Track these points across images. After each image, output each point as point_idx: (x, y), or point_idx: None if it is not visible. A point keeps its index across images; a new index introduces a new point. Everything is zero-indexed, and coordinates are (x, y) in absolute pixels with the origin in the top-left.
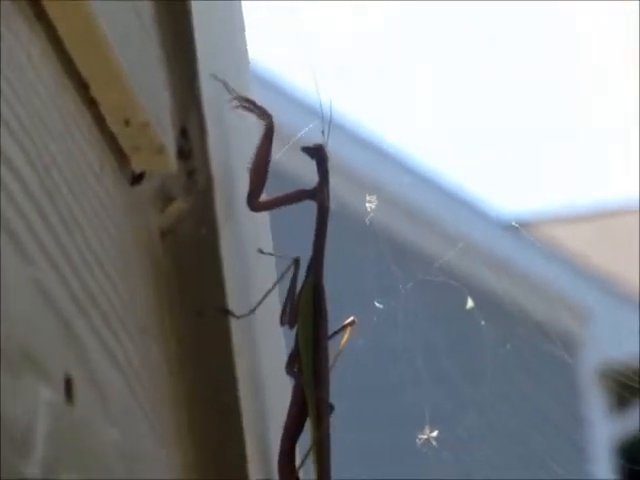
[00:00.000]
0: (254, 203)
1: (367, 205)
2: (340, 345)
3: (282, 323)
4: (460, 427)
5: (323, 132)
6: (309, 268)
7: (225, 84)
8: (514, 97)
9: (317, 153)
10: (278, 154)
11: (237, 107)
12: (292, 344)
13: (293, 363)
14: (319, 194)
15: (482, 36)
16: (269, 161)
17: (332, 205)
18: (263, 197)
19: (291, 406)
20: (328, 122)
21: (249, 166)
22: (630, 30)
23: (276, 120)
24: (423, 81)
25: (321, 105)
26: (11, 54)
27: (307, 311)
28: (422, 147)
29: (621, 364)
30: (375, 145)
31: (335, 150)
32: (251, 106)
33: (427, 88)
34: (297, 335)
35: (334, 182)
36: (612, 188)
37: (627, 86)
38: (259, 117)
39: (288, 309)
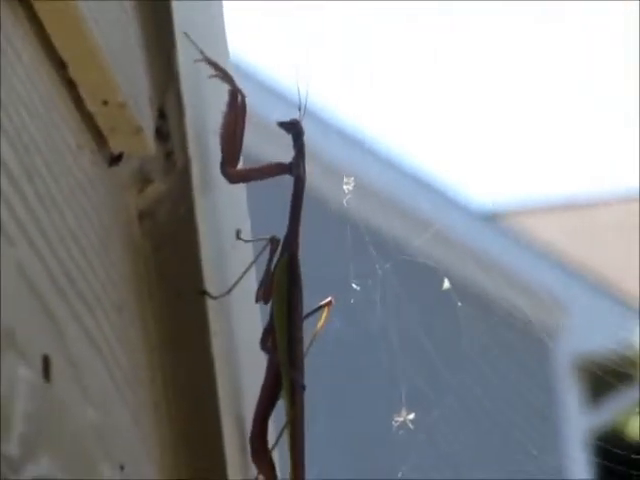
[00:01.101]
0: (229, 172)
1: (344, 187)
2: (317, 327)
3: (257, 299)
4: (436, 410)
5: (299, 108)
6: (285, 242)
7: (196, 45)
8: (491, 86)
9: (293, 128)
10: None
11: (200, 61)
12: (267, 319)
13: (267, 338)
14: (295, 168)
15: (461, 22)
16: (242, 128)
17: (309, 190)
18: (239, 168)
19: (264, 382)
20: (304, 99)
21: (219, 132)
22: (630, 29)
23: (253, 111)
24: (398, 69)
25: (297, 81)
26: None
27: (282, 285)
28: (398, 136)
29: (596, 355)
30: (351, 134)
31: (312, 139)
32: (219, 72)
33: (402, 76)
34: (272, 309)
35: (310, 169)
36: (588, 180)
37: (603, 71)
38: (224, 81)
39: (264, 284)
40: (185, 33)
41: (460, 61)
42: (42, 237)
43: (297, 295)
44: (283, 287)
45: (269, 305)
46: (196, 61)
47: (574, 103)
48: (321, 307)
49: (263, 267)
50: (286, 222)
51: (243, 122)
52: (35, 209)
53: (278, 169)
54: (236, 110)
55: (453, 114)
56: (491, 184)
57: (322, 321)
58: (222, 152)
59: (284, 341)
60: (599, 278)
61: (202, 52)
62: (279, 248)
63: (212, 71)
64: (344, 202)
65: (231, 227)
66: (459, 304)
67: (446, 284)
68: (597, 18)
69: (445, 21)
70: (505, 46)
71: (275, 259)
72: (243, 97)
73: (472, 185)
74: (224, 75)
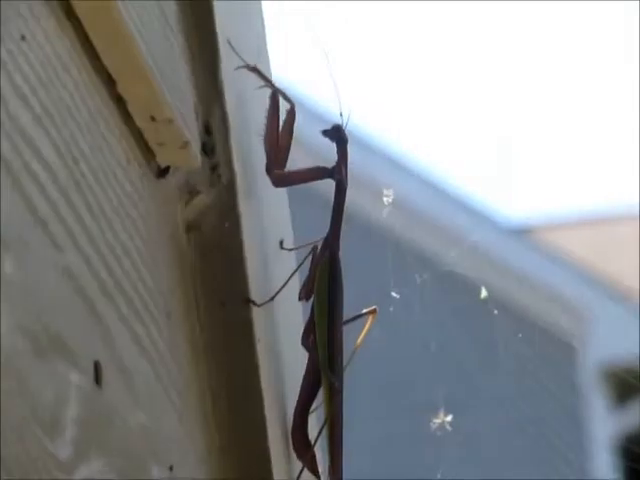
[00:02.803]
0: (274, 174)
1: (384, 199)
2: (360, 335)
3: (300, 297)
4: (473, 412)
5: (341, 114)
6: (326, 242)
7: (239, 56)
8: (517, 104)
9: (336, 134)
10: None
11: (242, 67)
12: (308, 316)
13: (308, 334)
14: (337, 173)
15: (487, 43)
16: (290, 133)
17: (350, 205)
18: (283, 171)
19: (305, 377)
20: (347, 107)
21: (263, 135)
22: (630, 31)
23: (297, 134)
24: (428, 85)
25: (337, 89)
26: (41, 52)
27: (323, 283)
28: (433, 154)
29: (622, 360)
30: (384, 151)
31: (351, 156)
32: (258, 73)
33: (433, 92)
34: (313, 306)
35: (350, 184)
36: (612, 194)
37: (629, 91)
38: (269, 86)
39: (306, 283)
40: (228, 41)
41: (488, 79)
42: (91, 245)
43: (338, 293)
44: (324, 285)
45: (310, 302)
46: (237, 68)
47: (602, 119)
48: (364, 314)
49: (306, 272)
50: (327, 225)
51: (291, 127)
52: (85, 218)
53: (321, 173)
54: (278, 115)
55: (485, 133)
56: (521, 200)
57: (365, 329)
58: (267, 154)
59: (324, 338)
60: (624, 289)
61: (244, 61)
62: (320, 248)
63: (257, 82)
64: (383, 213)
65: (275, 237)
66: (495, 312)
67: (484, 293)
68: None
69: (476, 50)
70: (533, 65)
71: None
72: (292, 105)
73: (503, 201)
74: (268, 81)
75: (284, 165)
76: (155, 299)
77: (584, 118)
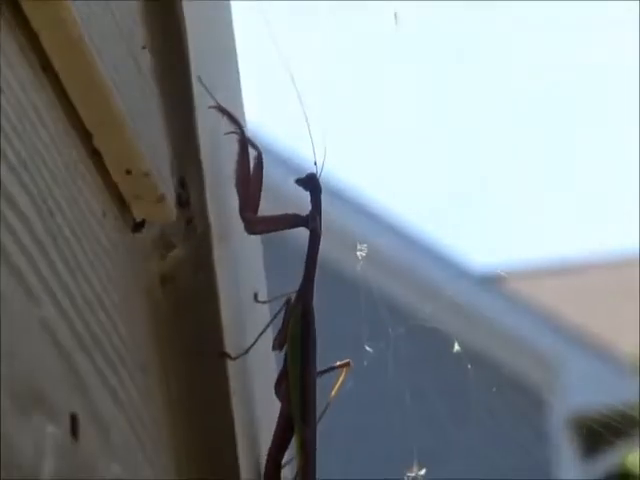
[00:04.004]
0: (248, 219)
1: (358, 253)
2: (333, 389)
3: (273, 347)
4: (446, 464)
5: (315, 163)
6: (299, 292)
7: (208, 91)
8: (487, 157)
9: (310, 183)
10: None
11: (213, 108)
12: (281, 365)
13: (281, 384)
14: (312, 221)
15: (460, 93)
16: (260, 178)
17: (323, 257)
18: (258, 216)
19: (277, 427)
20: (321, 157)
21: (234, 180)
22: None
23: (267, 183)
24: (399, 136)
25: (310, 134)
26: (18, 103)
27: (296, 333)
28: (400, 203)
29: (592, 411)
30: (357, 200)
31: (324, 208)
32: (227, 113)
33: (404, 142)
34: (285, 356)
35: (323, 236)
36: (581, 243)
37: (596, 142)
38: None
39: (279, 333)
40: (199, 79)
41: (459, 127)
42: (68, 298)
43: (310, 343)
44: (297, 335)
45: (283, 352)
46: (210, 107)
47: (569, 165)
48: (338, 367)
49: (280, 321)
50: (301, 273)
51: (260, 172)
52: (61, 271)
53: (295, 221)
54: (247, 159)
55: (453, 181)
56: (492, 248)
57: (339, 382)
58: (239, 198)
59: (297, 388)
60: (594, 338)
61: (215, 100)
62: (294, 298)
63: (227, 128)
64: (358, 268)
65: (249, 288)
66: (469, 366)
67: (456, 347)
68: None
69: (444, 104)
70: (502, 117)
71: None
72: (259, 152)
73: (473, 249)
74: (236, 124)
75: (256, 210)
76: (130, 352)
77: (552, 169)
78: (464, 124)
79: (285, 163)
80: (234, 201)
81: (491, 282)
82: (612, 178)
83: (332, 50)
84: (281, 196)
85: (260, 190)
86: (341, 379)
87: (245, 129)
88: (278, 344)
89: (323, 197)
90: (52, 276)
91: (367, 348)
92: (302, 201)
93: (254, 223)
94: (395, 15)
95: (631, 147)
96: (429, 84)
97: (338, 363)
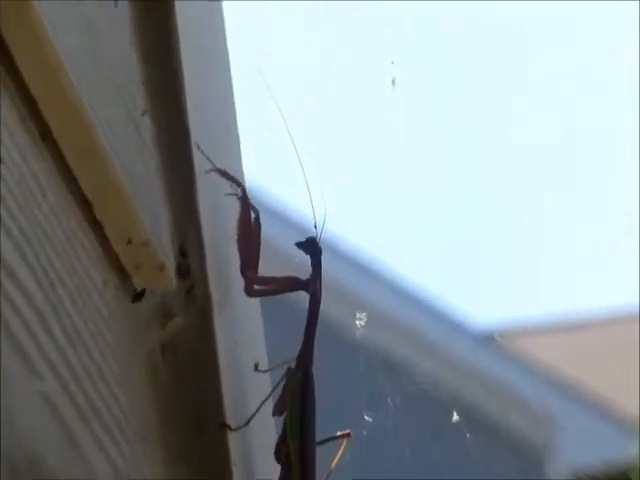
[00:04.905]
0: (249, 278)
1: (357, 322)
2: (334, 459)
3: (273, 413)
4: None
5: (315, 226)
6: (299, 357)
7: (207, 156)
8: (487, 214)
9: (310, 245)
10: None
11: (212, 172)
12: (281, 430)
13: (281, 449)
14: (312, 285)
15: (456, 149)
16: (258, 240)
17: (322, 318)
18: (258, 277)
19: None
20: (322, 217)
21: (236, 239)
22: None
23: (269, 243)
24: (396, 194)
25: (311, 199)
26: (19, 174)
27: (295, 398)
28: (398, 260)
29: (593, 469)
30: (355, 259)
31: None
32: (225, 175)
33: (401, 200)
34: (285, 422)
35: (324, 297)
36: (578, 301)
37: (590, 204)
38: (234, 190)
39: (279, 399)
40: (197, 145)
41: (459, 186)
42: (68, 369)
43: (310, 409)
44: (296, 400)
45: (283, 417)
46: (207, 171)
47: (570, 221)
48: (338, 437)
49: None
50: (301, 338)
51: (258, 235)
52: (61, 343)
53: (295, 284)
54: (248, 220)
55: (451, 238)
56: (490, 305)
57: (340, 453)
58: (241, 258)
59: (297, 453)
60: (594, 397)
61: (213, 164)
62: (294, 364)
63: (228, 190)
64: (356, 335)
65: (249, 357)
66: (467, 435)
67: (455, 416)
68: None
69: (447, 167)
70: (497, 175)
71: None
72: (257, 213)
73: (472, 306)
74: (236, 183)
75: (256, 271)
76: (130, 421)
77: (548, 228)
78: (464, 181)
79: (285, 222)
80: (234, 268)
81: (490, 339)
82: (612, 235)
83: (331, 111)
84: (280, 254)
85: (259, 251)
86: (342, 449)
87: (246, 189)
88: (278, 410)
89: (324, 254)
90: (52, 347)
91: (366, 418)
92: (302, 258)
93: (254, 284)
94: (393, 80)
95: (631, 204)
96: (426, 142)
97: (339, 433)
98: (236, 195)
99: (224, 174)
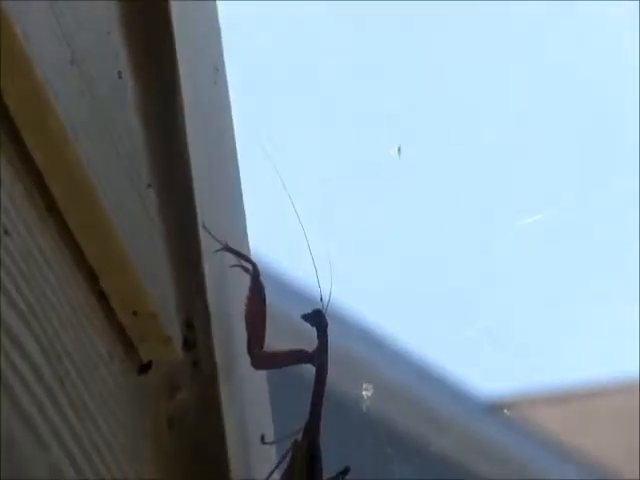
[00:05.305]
0: (255, 355)
1: (364, 393)
2: None
3: None
4: None
5: (321, 299)
6: (306, 429)
7: (213, 235)
8: (496, 286)
9: (317, 318)
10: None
11: (221, 251)
12: None
13: None
14: (318, 358)
15: (463, 217)
16: (264, 314)
17: (329, 390)
18: (263, 352)
19: None
20: (326, 292)
21: (244, 315)
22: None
23: (276, 311)
24: (401, 265)
25: (316, 271)
26: (24, 246)
27: (302, 470)
28: (405, 330)
29: None
30: (360, 329)
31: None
32: (236, 253)
33: (405, 269)
34: None
35: (331, 370)
36: (584, 370)
37: (595, 271)
38: (244, 265)
39: (285, 471)
40: (203, 225)
41: (463, 259)
42: (75, 442)
43: (316, 478)
44: (303, 473)
45: None
46: (216, 251)
47: (567, 299)
48: None
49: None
50: (307, 410)
51: (265, 308)
52: (68, 415)
53: (302, 357)
54: (258, 294)
55: (460, 308)
56: (498, 375)
57: None
58: (248, 335)
59: None
60: (598, 465)
61: (221, 243)
62: (301, 437)
63: (234, 261)
64: (363, 407)
65: (256, 430)
66: None
67: None
68: None
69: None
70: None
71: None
72: (264, 289)
73: (480, 377)
74: (245, 259)
75: (262, 346)
76: None
77: (556, 300)
78: (470, 250)
79: (290, 292)
80: (240, 339)
81: (497, 409)
82: (613, 305)
83: (337, 179)
84: (284, 324)
85: (265, 325)
86: None
87: (257, 265)
88: None
89: (329, 325)
90: (60, 420)
91: None
92: (307, 328)
93: (261, 359)
94: (399, 149)
95: (633, 277)
96: (432, 209)
97: None
98: (247, 271)
99: (234, 252)
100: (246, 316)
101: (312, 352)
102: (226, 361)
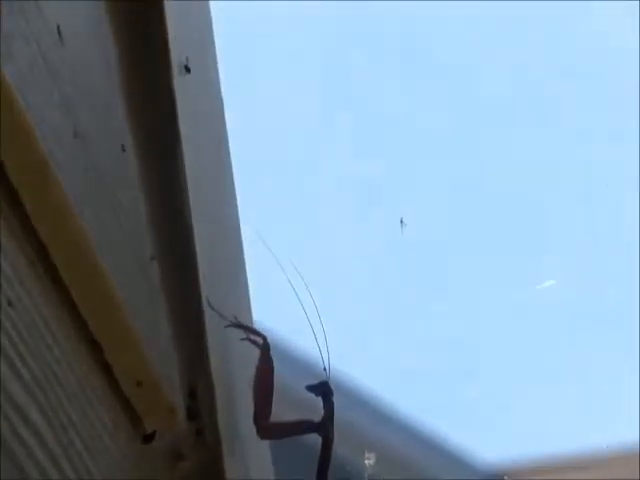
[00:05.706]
0: (261, 426)
1: (366, 462)
2: None
3: None
4: None
5: (325, 369)
6: None
7: (218, 312)
8: (498, 356)
9: (322, 389)
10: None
11: (230, 326)
12: None
13: None
14: (323, 428)
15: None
16: (271, 385)
17: (331, 460)
18: (270, 422)
19: None
20: (328, 361)
21: (252, 386)
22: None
23: (281, 383)
24: (402, 332)
25: (317, 340)
26: (28, 317)
27: None
28: (407, 398)
29: None
30: (362, 398)
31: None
32: (245, 328)
33: (408, 340)
34: None
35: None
36: (581, 440)
37: (596, 332)
38: (253, 338)
39: None
40: (207, 301)
41: (458, 326)
42: None
43: None
44: None
45: None
46: (226, 326)
47: (578, 362)
48: None
49: None
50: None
51: (272, 381)
52: None
53: (307, 427)
54: (267, 366)
55: (461, 376)
56: (497, 444)
57: None
58: (255, 406)
59: None
60: None
61: (226, 318)
62: None
63: (238, 332)
64: (366, 475)
65: None
66: None
67: None
68: None
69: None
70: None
71: None
72: (272, 362)
73: (481, 446)
74: (253, 333)
75: (269, 415)
76: None
77: (556, 369)
78: (472, 322)
79: (293, 362)
80: (244, 408)
81: (497, 476)
82: (612, 372)
83: (339, 252)
84: (288, 394)
85: (272, 396)
86: None
87: (267, 338)
88: None
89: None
90: None
91: None
92: (314, 400)
93: (268, 430)
94: (401, 220)
95: (633, 342)
96: (433, 282)
97: None
98: (256, 344)
99: (243, 327)
100: (254, 387)
101: (318, 422)
102: (229, 430)
